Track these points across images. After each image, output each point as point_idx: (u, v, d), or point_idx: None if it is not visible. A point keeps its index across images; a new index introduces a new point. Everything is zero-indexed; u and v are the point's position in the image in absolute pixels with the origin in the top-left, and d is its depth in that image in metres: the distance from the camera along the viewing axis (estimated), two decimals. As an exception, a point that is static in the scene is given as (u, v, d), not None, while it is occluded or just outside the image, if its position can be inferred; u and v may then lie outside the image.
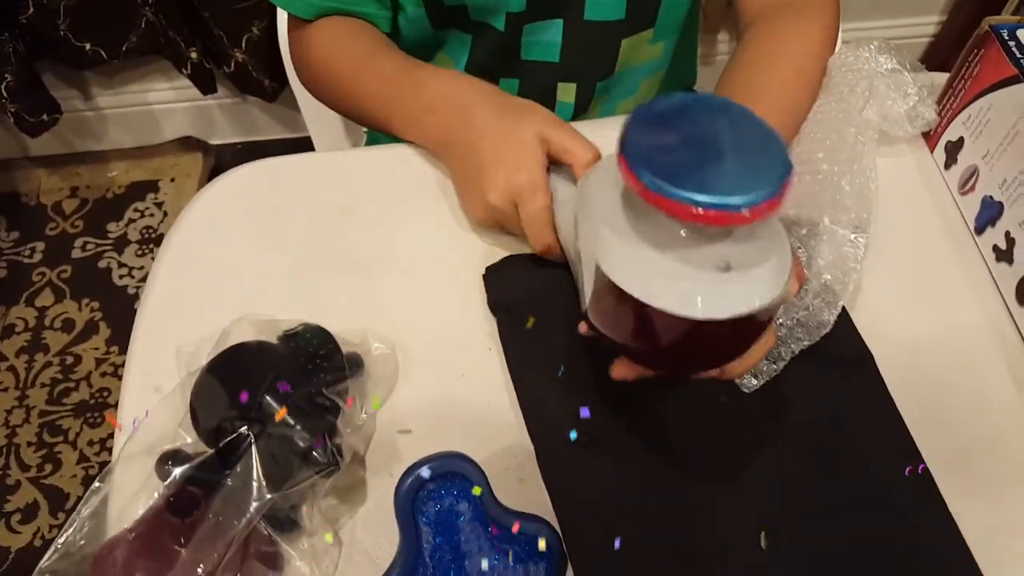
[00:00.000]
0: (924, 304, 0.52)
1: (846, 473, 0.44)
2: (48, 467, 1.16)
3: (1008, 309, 0.51)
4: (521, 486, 0.44)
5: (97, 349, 1.26)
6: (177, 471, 0.39)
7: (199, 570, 0.38)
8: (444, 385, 0.48)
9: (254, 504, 0.38)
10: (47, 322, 1.29)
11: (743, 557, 0.41)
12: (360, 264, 0.52)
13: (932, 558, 0.41)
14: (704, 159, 0.32)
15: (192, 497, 0.39)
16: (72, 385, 1.23)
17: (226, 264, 0.53)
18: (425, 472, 0.38)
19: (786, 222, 0.50)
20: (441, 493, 0.38)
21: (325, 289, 0.51)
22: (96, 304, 1.30)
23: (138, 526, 0.39)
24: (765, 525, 0.42)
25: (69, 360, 1.25)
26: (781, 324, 0.47)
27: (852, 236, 0.49)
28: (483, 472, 0.39)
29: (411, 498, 0.38)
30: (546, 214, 0.47)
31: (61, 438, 1.19)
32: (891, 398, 0.46)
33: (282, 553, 0.40)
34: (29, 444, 1.19)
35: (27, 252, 1.36)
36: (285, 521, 0.41)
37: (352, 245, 0.53)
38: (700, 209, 0.31)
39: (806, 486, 0.43)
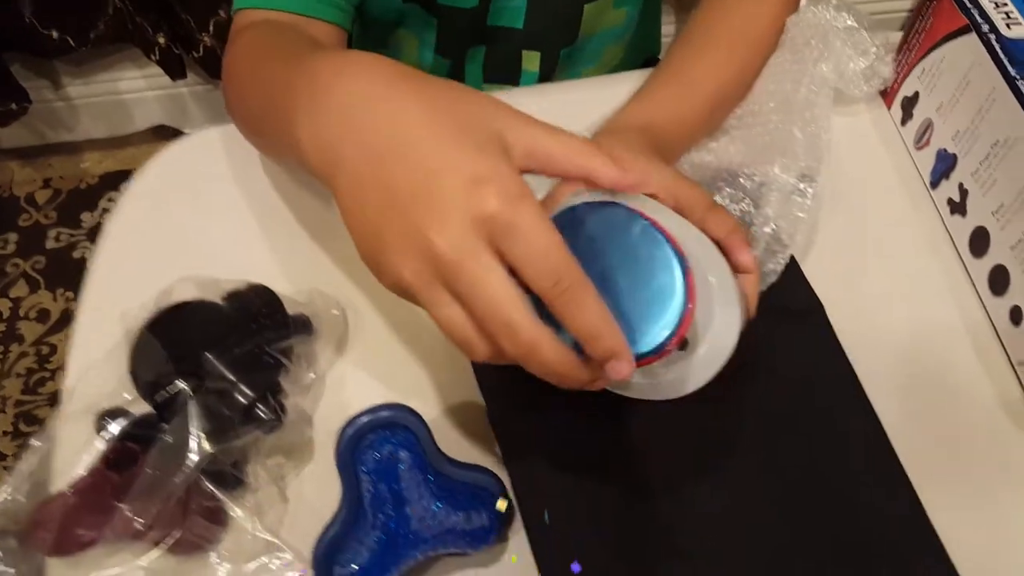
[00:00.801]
0: (879, 260, 0.52)
1: (798, 429, 0.44)
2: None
3: (962, 262, 0.51)
4: (473, 443, 0.44)
5: (73, 339, 1.25)
6: (115, 426, 0.39)
7: (138, 524, 0.37)
8: (395, 345, 0.47)
9: (193, 458, 0.38)
10: (22, 312, 1.28)
11: (696, 512, 0.41)
12: (310, 226, 0.52)
13: (886, 514, 0.41)
14: (611, 304, 0.30)
15: (130, 452, 0.38)
16: (48, 375, 1.22)
17: (175, 229, 0.52)
18: (364, 420, 0.37)
19: (733, 174, 0.50)
20: (381, 442, 0.38)
21: (274, 251, 0.51)
22: (71, 294, 1.29)
23: (78, 483, 0.39)
24: (720, 485, 0.42)
25: (44, 350, 1.24)
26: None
27: (801, 185, 0.48)
28: (425, 422, 0.39)
29: (351, 448, 0.38)
30: (556, 237, 0.29)
31: (37, 428, 1.18)
32: (842, 349, 0.46)
33: (225, 509, 0.40)
34: (5, 434, 1.18)
35: (0, 244, 1.35)
36: (229, 478, 0.40)
37: (302, 207, 0.53)
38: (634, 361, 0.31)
39: (759, 444, 0.43)
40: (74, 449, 0.40)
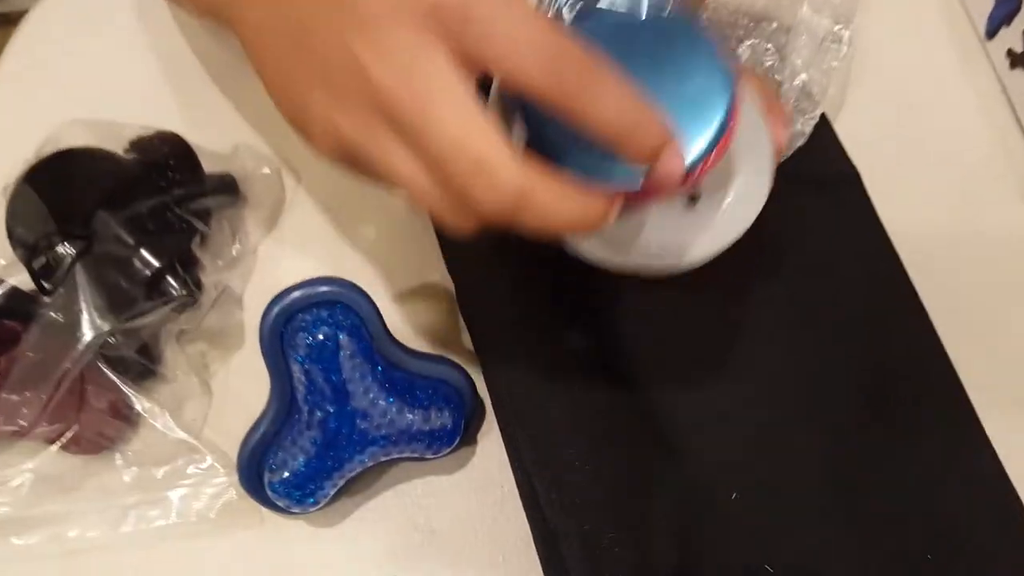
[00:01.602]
0: (921, 122, 0.44)
1: (830, 312, 0.37)
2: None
3: (1020, 124, 0.43)
4: (437, 333, 0.37)
5: None
6: (-15, 300, 0.31)
7: (21, 417, 0.31)
8: (341, 212, 0.40)
9: (85, 338, 0.31)
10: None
11: (710, 411, 0.35)
12: (238, 69, 0.43)
13: (928, 402, 0.35)
14: None
15: (8, 330, 0.31)
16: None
17: (74, 71, 0.43)
18: (296, 294, 0.30)
19: (755, 18, 0.41)
20: (315, 324, 0.30)
21: (192, 98, 0.42)
22: None
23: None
24: (737, 380, 0.35)
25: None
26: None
27: (836, 28, 0.40)
28: (372, 302, 0.32)
29: (279, 329, 0.30)
30: (542, 16, 0.23)
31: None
32: (880, 221, 0.39)
33: (132, 403, 0.33)
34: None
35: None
36: (135, 365, 0.33)
37: (228, 48, 0.43)
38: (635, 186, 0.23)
39: (781, 330, 0.37)
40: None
